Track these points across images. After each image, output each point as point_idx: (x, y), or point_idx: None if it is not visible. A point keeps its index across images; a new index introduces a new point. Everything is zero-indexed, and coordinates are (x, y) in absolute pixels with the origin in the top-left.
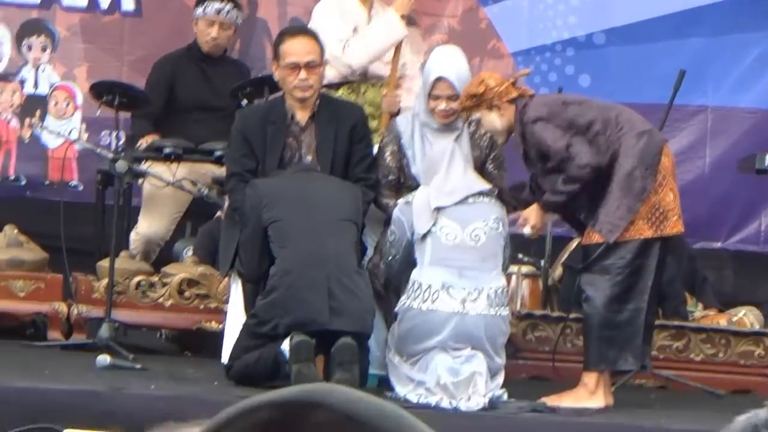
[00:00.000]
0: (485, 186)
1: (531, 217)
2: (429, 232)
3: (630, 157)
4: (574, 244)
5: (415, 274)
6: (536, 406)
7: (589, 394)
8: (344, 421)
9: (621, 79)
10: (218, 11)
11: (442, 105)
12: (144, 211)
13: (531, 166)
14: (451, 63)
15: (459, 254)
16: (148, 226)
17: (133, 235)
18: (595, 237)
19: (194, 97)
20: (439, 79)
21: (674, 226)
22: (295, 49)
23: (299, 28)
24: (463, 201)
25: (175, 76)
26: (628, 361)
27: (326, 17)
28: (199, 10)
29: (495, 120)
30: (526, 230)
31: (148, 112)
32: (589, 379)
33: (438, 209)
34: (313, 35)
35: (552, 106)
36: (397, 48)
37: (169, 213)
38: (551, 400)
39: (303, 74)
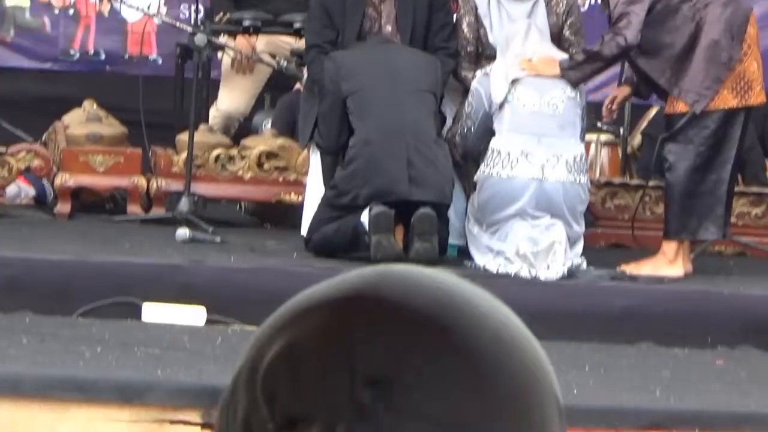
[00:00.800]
0: (563, 55)
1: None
2: (506, 101)
3: (716, 26)
4: (653, 112)
5: (494, 142)
6: (615, 274)
7: (669, 263)
8: (405, 316)
9: None
10: None
11: None
12: (223, 86)
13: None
14: None
15: (537, 121)
16: (228, 102)
17: (212, 111)
18: (679, 106)
19: None
20: None
21: (758, 95)
22: None
23: None
24: None
25: None
26: (708, 230)
27: None
28: None
29: None
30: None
31: None
32: (669, 247)
33: (515, 80)
34: None
35: None
36: None
37: (249, 88)
38: (630, 268)
39: None
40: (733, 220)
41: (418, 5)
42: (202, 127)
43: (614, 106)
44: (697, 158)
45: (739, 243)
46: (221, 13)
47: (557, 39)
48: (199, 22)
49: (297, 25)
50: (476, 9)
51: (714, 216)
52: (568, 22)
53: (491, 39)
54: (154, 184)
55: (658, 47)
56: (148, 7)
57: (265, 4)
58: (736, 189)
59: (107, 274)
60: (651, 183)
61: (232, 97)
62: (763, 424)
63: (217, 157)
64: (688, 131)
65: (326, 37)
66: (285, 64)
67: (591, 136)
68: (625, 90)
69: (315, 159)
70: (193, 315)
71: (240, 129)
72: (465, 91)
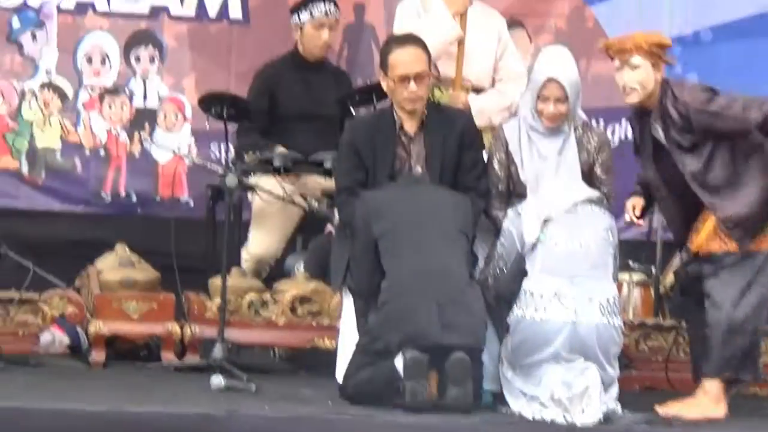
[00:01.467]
0: (594, 193)
1: None
2: (538, 240)
3: None
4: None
5: (526, 284)
6: (651, 418)
7: (714, 402)
8: None
9: (730, 76)
10: (326, 13)
11: (551, 107)
12: (254, 228)
13: (672, 143)
14: (561, 64)
15: (569, 262)
16: (259, 245)
17: (244, 254)
18: (725, 243)
19: (298, 106)
20: (549, 80)
21: None
22: (404, 60)
23: (407, 37)
24: (572, 209)
25: (278, 84)
26: (748, 369)
27: (405, 17)
28: (304, 15)
29: (651, 75)
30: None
31: (254, 125)
32: (711, 386)
33: (547, 219)
34: (421, 44)
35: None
36: (461, 47)
37: (280, 229)
38: (671, 410)
39: (413, 86)
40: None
41: (447, 144)
42: (234, 270)
43: (638, 213)
44: (742, 297)
45: None
46: (251, 153)
47: (588, 176)
48: (229, 163)
49: (327, 165)
50: (507, 145)
51: (754, 356)
52: (600, 160)
53: (522, 176)
54: (188, 331)
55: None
56: (179, 148)
57: (290, 141)
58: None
59: (143, 425)
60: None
61: (263, 239)
62: None
63: (251, 303)
64: (733, 268)
65: (357, 178)
66: (316, 204)
67: (624, 276)
68: (640, 199)
69: (348, 303)
70: None
71: (272, 271)
72: (497, 231)
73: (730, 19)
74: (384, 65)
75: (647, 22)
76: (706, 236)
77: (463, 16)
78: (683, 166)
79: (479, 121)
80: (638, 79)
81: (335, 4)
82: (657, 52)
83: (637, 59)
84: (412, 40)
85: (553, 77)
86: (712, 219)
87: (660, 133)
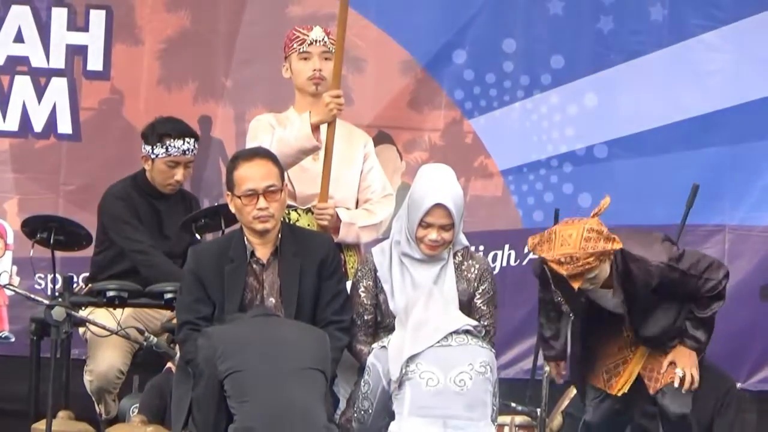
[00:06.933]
0: (471, 322)
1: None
2: (407, 378)
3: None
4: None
5: (393, 428)
6: None
7: None
8: None
9: (627, 198)
10: (184, 151)
11: (433, 235)
12: (92, 350)
13: (636, 302)
14: (447, 187)
15: (442, 402)
16: (102, 361)
17: (87, 377)
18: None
19: (150, 238)
20: (436, 206)
21: None
22: (251, 173)
23: (254, 150)
24: (445, 342)
25: (125, 213)
26: None
27: (259, 131)
28: (159, 149)
29: (606, 269)
30: (686, 378)
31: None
32: None
33: (414, 355)
34: (271, 156)
35: None
36: (327, 157)
37: (121, 346)
38: None
39: (262, 202)
40: None
41: (304, 273)
42: (61, 414)
43: (562, 370)
44: None
45: None
46: (82, 284)
47: (467, 308)
48: (56, 294)
49: (168, 296)
50: (375, 272)
51: None
52: (481, 290)
53: (392, 306)
54: None
55: None
56: None
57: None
58: None
59: None
60: None
61: (105, 355)
62: None
63: None
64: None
65: (200, 313)
66: (154, 340)
67: (505, 419)
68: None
69: None
70: None
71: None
72: (361, 368)
73: (628, 133)
74: (230, 184)
75: (531, 136)
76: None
77: (330, 125)
78: (638, 328)
79: (348, 238)
80: (597, 281)
81: (196, 139)
82: (606, 249)
83: (593, 272)
84: (260, 153)
85: (441, 203)
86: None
87: (617, 304)
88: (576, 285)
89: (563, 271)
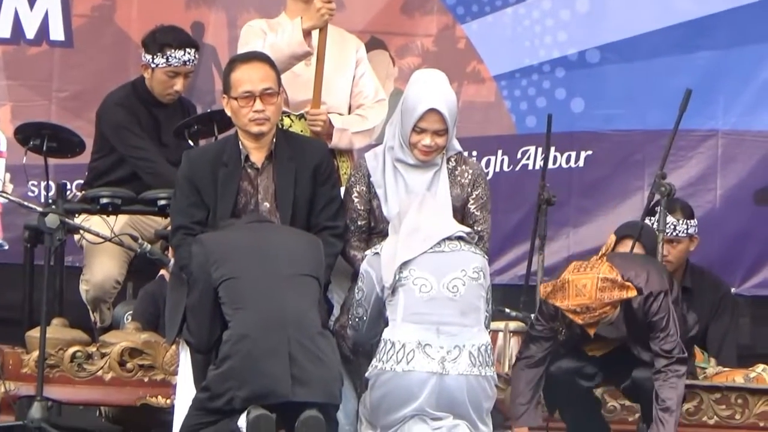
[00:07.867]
0: (464, 229)
1: None
2: (400, 284)
3: None
4: None
5: (387, 333)
6: None
7: None
8: None
9: (619, 103)
10: (185, 62)
11: (427, 140)
12: (89, 257)
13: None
14: (441, 92)
15: (435, 308)
16: (98, 270)
17: (82, 286)
18: None
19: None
20: (430, 111)
21: None
22: (249, 76)
23: (251, 53)
24: (438, 248)
25: (128, 120)
26: None
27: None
28: (159, 59)
29: (617, 312)
30: None
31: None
32: None
33: (407, 261)
34: (268, 60)
35: None
36: (320, 63)
37: (118, 255)
38: None
39: (258, 105)
40: None
41: (299, 178)
42: (55, 321)
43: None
44: None
45: None
46: (76, 192)
47: (461, 213)
48: (50, 201)
49: (162, 203)
50: (369, 177)
51: None
52: (474, 195)
53: (385, 212)
54: (1, 388)
55: None
56: None
57: (140, 180)
58: None
59: None
60: None
61: (101, 264)
62: None
63: (74, 356)
64: None
65: (195, 217)
66: (148, 247)
67: (498, 324)
68: None
69: (185, 356)
70: None
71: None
72: (354, 274)
73: (620, 37)
74: (226, 86)
75: (523, 41)
76: None
77: (322, 31)
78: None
79: (341, 143)
80: (608, 322)
81: (197, 49)
82: (621, 298)
83: (607, 318)
84: (257, 56)
85: (434, 108)
86: None
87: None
88: (591, 332)
89: (579, 320)
